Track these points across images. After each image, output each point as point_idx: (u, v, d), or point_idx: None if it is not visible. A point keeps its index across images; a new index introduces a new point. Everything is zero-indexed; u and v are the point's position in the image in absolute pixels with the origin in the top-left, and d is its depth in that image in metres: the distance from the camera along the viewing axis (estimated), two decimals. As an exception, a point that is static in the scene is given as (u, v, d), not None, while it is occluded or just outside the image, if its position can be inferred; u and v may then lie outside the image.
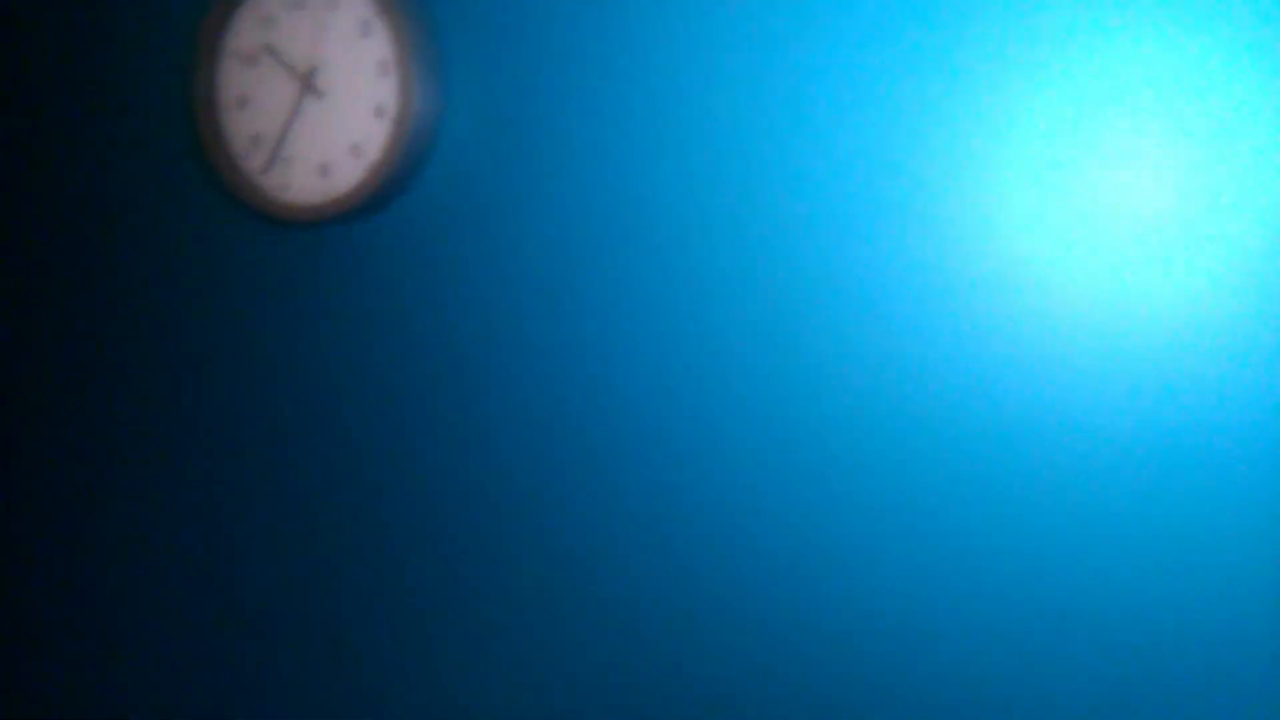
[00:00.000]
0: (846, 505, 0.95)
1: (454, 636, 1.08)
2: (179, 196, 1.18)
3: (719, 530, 0.99)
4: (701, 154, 0.99)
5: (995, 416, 0.90)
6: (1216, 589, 0.88)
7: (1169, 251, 0.86)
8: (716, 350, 0.99)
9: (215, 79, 1.13)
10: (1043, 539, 0.90)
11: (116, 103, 1.21)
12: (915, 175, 0.92)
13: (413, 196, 1.09)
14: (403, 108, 1.03)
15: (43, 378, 1.26)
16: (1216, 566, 0.88)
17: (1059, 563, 0.90)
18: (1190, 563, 0.89)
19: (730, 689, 0.98)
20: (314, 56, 1.08)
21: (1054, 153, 0.89)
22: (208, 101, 1.13)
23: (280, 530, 1.15)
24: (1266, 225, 0.84)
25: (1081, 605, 0.90)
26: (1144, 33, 0.86)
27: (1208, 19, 0.84)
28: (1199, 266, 0.85)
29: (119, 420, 1.23)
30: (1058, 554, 0.90)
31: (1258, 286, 0.84)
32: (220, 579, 1.18)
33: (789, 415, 0.96)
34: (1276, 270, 0.83)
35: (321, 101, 1.08)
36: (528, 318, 1.05)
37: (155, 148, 1.19)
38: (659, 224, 1.00)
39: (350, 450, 1.12)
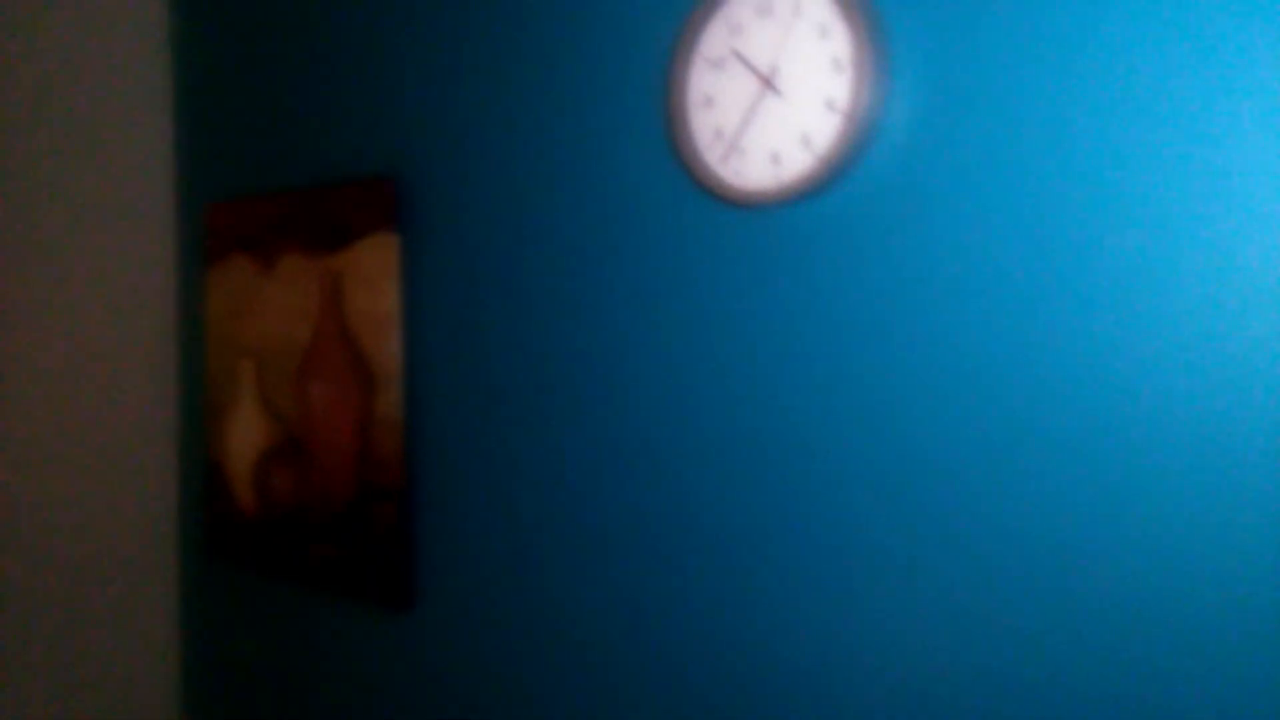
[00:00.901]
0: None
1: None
2: (650, 183, 1.38)
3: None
4: (1151, 168, 0.98)
5: None
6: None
7: None
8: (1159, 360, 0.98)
9: (686, 81, 1.30)
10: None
11: (600, 101, 1.43)
12: None
13: (853, 183, 1.18)
14: (854, 102, 1.13)
15: (533, 332, 1.53)
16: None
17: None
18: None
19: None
20: (776, 58, 1.21)
21: None
22: (679, 101, 1.31)
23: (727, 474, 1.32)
24: None
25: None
26: None
27: None
28: None
29: (603, 368, 1.46)
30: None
31: None
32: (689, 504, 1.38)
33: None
34: None
35: (778, 98, 1.21)
36: (953, 307, 1.10)
37: (632, 141, 1.40)
38: (1082, 234, 1.01)
39: (794, 397, 1.25)
